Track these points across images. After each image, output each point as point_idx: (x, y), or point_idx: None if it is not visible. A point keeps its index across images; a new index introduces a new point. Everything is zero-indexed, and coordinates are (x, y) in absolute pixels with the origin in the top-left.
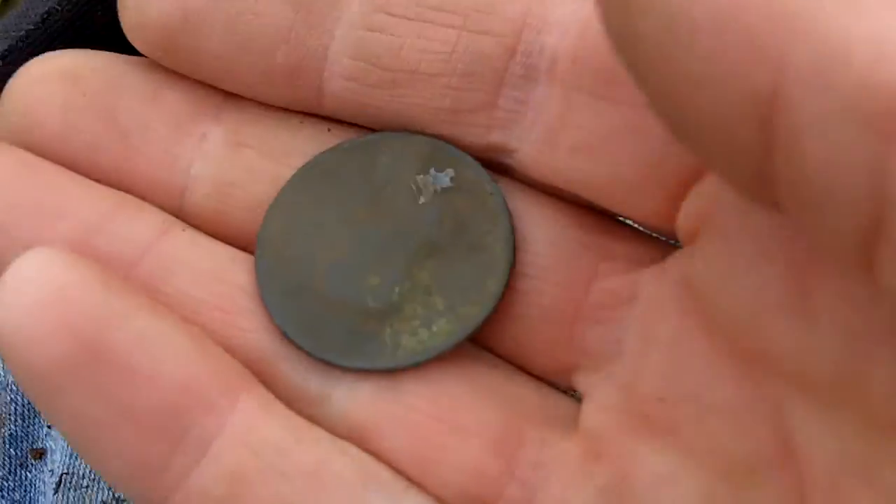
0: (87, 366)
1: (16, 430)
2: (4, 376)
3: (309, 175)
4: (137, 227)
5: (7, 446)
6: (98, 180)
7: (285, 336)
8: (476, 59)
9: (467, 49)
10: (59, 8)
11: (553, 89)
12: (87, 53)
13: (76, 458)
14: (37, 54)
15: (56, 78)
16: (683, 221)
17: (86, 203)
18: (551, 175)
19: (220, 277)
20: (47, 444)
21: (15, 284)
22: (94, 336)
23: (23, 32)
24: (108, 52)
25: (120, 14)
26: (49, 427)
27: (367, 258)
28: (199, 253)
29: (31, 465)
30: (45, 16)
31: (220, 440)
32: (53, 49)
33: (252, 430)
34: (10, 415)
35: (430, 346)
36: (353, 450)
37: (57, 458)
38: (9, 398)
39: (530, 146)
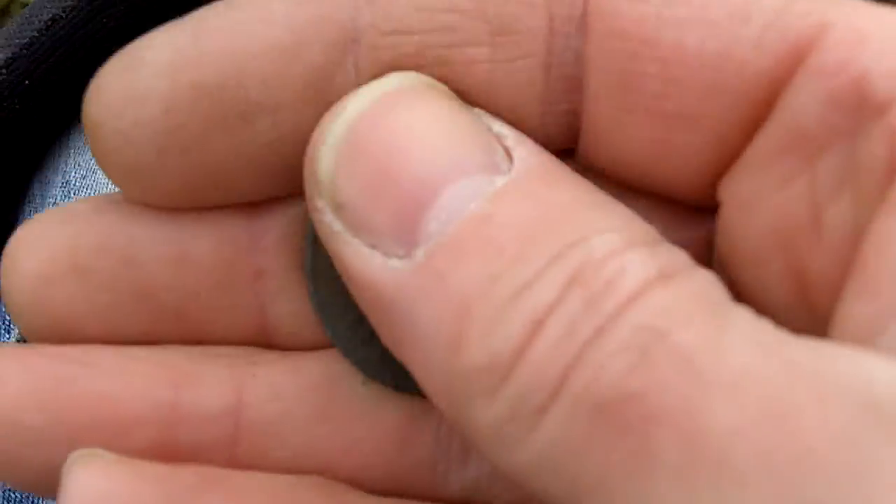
0: None
1: None
2: None
3: None
4: (210, 399)
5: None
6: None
7: (366, 376)
8: (515, 88)
9: (503, 82)
10: (64, 14)
11: (586, 101)
12: (72, 219)
13: None
14: (42, 62)
15: (60, 277)
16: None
17: (146, 398)
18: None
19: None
20: None
21: None
22: None
23: (26, 40)
24: (93, 205)
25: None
26: None
27: None
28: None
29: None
30: (49, 22)
31: None
32: (57, 58)
33: None
34: None
35: None
36: None
37: None
38: None
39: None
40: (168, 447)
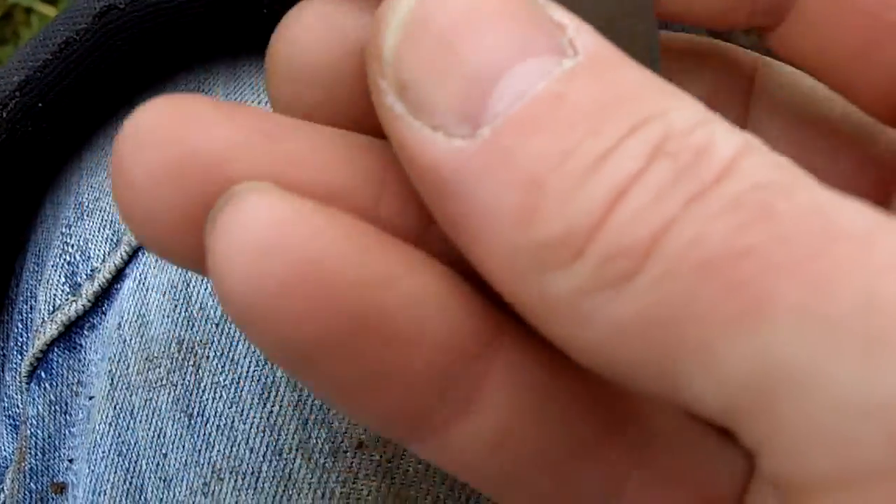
0: (350, 338)
1: (36, 464)
2: (24, 409)
3: None
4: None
5: (27, 480)
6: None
7: None
8: None
9: None
10: (77, 37)
11: None
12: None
13: (99, 493)
14: (55, 84)
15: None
16: None
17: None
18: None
19: None
20: (68, 479)
21: (249, 249)
22: (362, 305)
23: (40, 62)
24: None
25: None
26: (70, 462)
27: None
28: None
29: (52, 499)
30: (62, 45)
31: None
32: (70, 81)
33: (520, 367)
34: (30, 448)
35: None
36: None
37: (79, 494)
38: (29, 431)
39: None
40: (371, 221)
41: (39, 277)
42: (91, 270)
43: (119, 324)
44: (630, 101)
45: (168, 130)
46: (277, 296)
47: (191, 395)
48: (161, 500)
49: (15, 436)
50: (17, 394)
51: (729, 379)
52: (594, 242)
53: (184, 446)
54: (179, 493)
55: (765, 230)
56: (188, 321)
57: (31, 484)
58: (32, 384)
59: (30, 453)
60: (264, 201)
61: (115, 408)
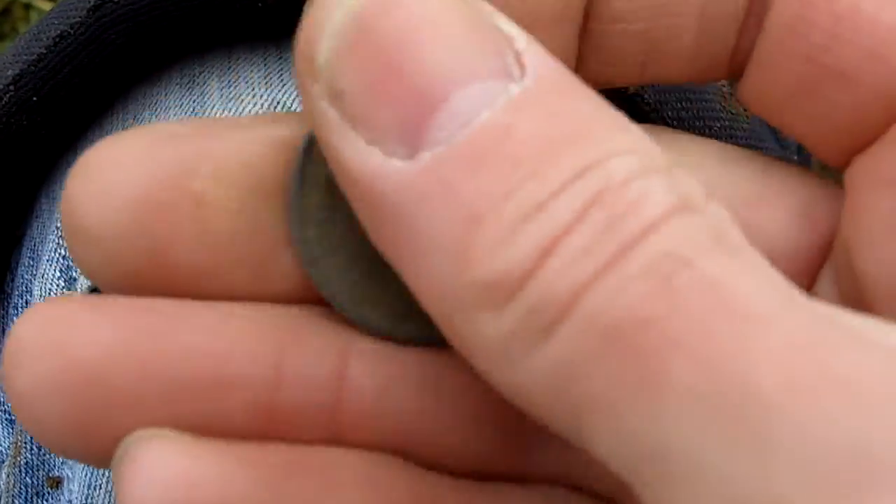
0: None
1: (31, 459)
2: None
3: None
4: (317, 362)
5: (23, 474)
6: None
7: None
8: (720, 21)
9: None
10: (71, 31)
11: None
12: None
13: (94, 488)
14: (50, 78)
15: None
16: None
17: (251, 355)
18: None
19: (434, 387)
20: (64, 473)
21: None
22: None
23: (34, 56)
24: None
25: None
26: None
27: None
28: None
29: (48, 493)
30: (56, 39)
31: None
32: (65, 74)
33: None
34: (25, 443)
35: None
36: None
37: (75, 489)
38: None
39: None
40: (268, 411)
41: (35, 271)
42: None
43: None
44: (577, 141)
45: (48, 340)
46: None
47: None
48: None
49: (10, 430)
50: None
51: (629, 444)
52: (524, 290)
53: None
54: None
55: (665, 302)
56: None
57: (27, 478)
58: None
59: (25, 448)
60: (156, 455)
61: None
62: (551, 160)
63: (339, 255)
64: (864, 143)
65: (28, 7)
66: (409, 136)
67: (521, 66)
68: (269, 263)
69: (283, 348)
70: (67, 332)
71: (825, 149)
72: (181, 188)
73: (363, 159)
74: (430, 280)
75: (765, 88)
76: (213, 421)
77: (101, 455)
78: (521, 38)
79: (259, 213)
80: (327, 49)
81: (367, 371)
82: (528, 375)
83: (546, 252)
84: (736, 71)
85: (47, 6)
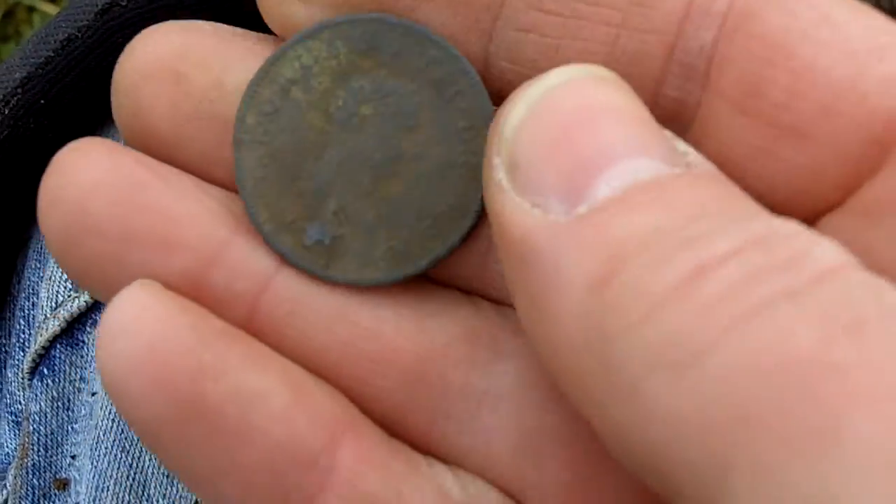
0: (186, 423)
1: (38, 460)
2: (26, 405)
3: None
4: (256, 257)
5: (29, 476)
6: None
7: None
8: (635, 59)
9: (626, 50)
10: (79, 34)
11: (706, 94)
12: (191, 32)
13: (101, 490)
14: (57, 81)
15: (158, 76)
16: None
17: (201, 230)
18: None
19: (347, 318)
20: (71, 475)
21: (112, 331)
22: (189, 394)
23: (42, 59)
24: (214, 28)
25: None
26: (73, 458)
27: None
28: (327, 289)
29: (55, 495)
30: (64, 42)
31: (323, 498)
32: (72, 77)
33: (353, 485)
34: (32, 444)
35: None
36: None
37: (82, 490)
38: (31, 428)
39: None
40: (199, 281)
41: (41, 274)
42: None
43: None
44: (734, 204)
45: (57, 178)
46: (123, 376)
47: None
48: (164, 495)
49: (17, 432)
50: (19, 390)
51: (782, 501)
52: (664, 313)
53: None
54: (183, 488)
55: (853, 350)
56: None
57: (34, 480)
58: (35, 380)
59: (32, 449)
60: (135, 294)
61: None
62: (708, 211)
63: (261, 149)
64: (826, 203)
65: (32, 10)
66: (571, 195)
67: (683, 155)
68: (216, 148)
69: (235, 232)
70: (77, 160)
71: (786, 210)
72: (169, 66)
73: (524, 218)
74: (564, 315)
75: (719, 149)
76: (154, 275)
77: (80, 273)
78: (680, 141)
79: (223, 106)
80: (513, 122)
81: (293, 283)
82: (662, 419)
83: (693, 279)
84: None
85: (51, 9)
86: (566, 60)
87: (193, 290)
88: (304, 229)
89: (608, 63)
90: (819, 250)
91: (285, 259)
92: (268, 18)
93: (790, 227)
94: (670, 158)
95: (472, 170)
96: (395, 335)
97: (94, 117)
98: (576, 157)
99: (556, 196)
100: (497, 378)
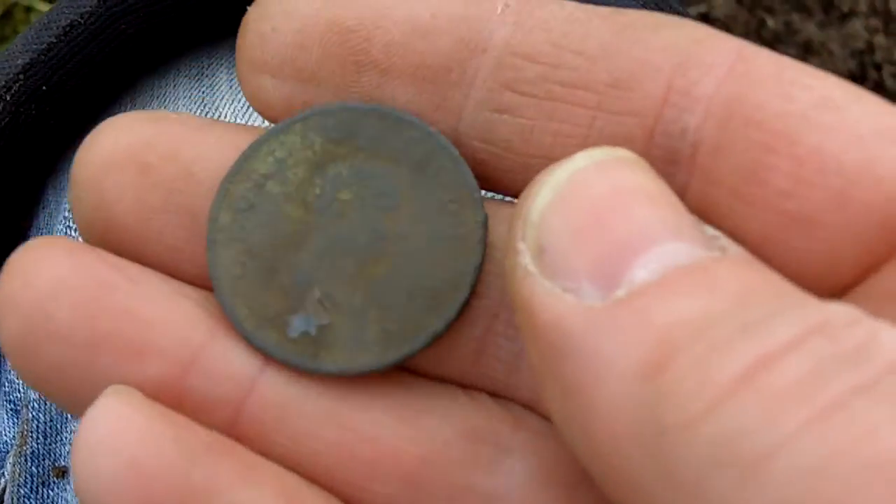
0: None
1: (37, 448)
2: (25, 393)
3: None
4: (237, 358)
5: (28, 464)
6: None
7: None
8: (612, 142)
9: (603, 132)
10: (81, 21)
11: (692, 179)
12: (156, 122)
13: None
14: (59, 67)
15: (122, 166)
16: None
17: (176, 332)
18: None
19: (339, 420)
20: (70, 463)
21: (89, 445)
22: None
23: (44, 45)
24: (181, 117)
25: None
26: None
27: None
28: (315, 388)
29: (54, 483)
30: (66, 28)
31: None
32: (74, 64)
33: None
34: (31, 432)
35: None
36: None
37: None
38: (31, 415)
39: None
40: (178, 388)
41: None
42: None
43: None
44: (780, 288)
45: (16, 274)
46: (105, 497)
47: None
48: None
49: (16, 420)
50: (17, 378)
51: None
52: (728, 407)
53: None
54: None
55: None
56: None
57: (33, 468)
58: None
59: (31, 437)
60: (111, 403)
61: None
62: (756, 295)
63: (237, 246)
64: (841, 287)
65: (29, 10)
66: (606, 280)
67: (715, 239)
68: (187, 242)
69: (213, 335)
70: (35, 261)
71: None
72: (135, 156)
73: (556, 303)
74: (611, 405)
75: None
76: (127, 383)
77: (41, 381)
78: (707, 225)
79: (193, 198)
80: (539, 206)
81: (279, 383)
82: None
83: (755, 371)
84: None
85: (48, 9)
86: (542, 142)
87: (171, 398)
88: (287, 322)
89: (585, 145)
90: (886, 337)
91: (270, 355)
92: (244, 90)
93: (848, 313)
94: (704, 242)
95: (462, 241)
96: (392, 436)
97: (96, 105)
98: (609, 241)
99: (590, 280)
100: (503, 477)
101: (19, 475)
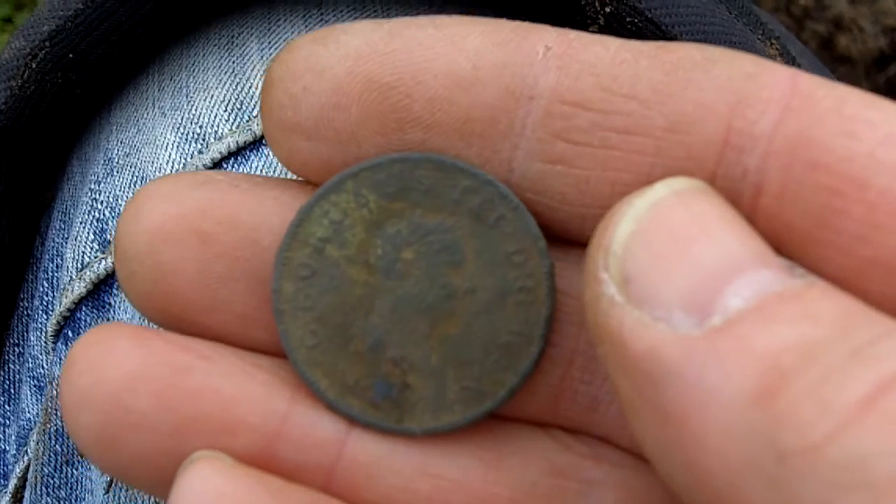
0: None
1: (61, 426)
2: (49, 369)
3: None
4: (323, 424)
5: (52, 442)
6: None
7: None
8: None
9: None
10: None
11: (756, 220)
12: (201, 187)
13: None
14: (87, 34)
15: (180, 236)
16: None
17: (259, 405)
18: None
19: (429, 472)
20: None
21: None
22: None
23: (71, 12)
24: (228, 178)
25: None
26: None
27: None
28: (403, 444)
29: (78, 461)
30: None
31: None
32: (102, 31)
33: None
34: (55, 409)
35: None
36: None
37: None
38: (55, 392)
39: None
40: (267, 459)
41: (66, 235)
42: None
43: None
44: (873, 313)
45: (89, 360)
46: None
47: None
48: None
49: (40, 397)
50: (42, 354)
51: None
52: (853, 432)
53: None
54: None
55: None
56: None
57: (57, 446)
58: (59, 343)
59: (55, 415)
60: (206, 471)
61: None
62: (856, 320)
63: (306, 315)
64: None
65: None
66: (698, 307)
67: (794, 267)
68: (257, 310)
69: (294, 402)
70: (103, 354)
71: None
72: (191, 226)
73: (648, 333)
74: (720, 432)
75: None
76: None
77: (125, 470)
78: (785, 259)
79: (253, 263)
80: (621, 237)
81: (367, 443)
82: None
83: (882, 397)
84: None
85: None
86: (600, 193)
87: (263, 469)
88: (369, 387)
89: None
90: None
91: (355, 421)
92: (275, 151)
93: None
94: (788, 269)
95: (530, 293)
96: (481, 481)
97: (123, 73)
98: (698, 269)
99: (682, 309)
100: None
101: (43, 454)
